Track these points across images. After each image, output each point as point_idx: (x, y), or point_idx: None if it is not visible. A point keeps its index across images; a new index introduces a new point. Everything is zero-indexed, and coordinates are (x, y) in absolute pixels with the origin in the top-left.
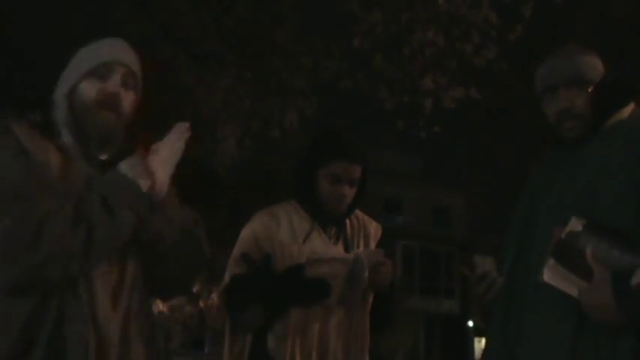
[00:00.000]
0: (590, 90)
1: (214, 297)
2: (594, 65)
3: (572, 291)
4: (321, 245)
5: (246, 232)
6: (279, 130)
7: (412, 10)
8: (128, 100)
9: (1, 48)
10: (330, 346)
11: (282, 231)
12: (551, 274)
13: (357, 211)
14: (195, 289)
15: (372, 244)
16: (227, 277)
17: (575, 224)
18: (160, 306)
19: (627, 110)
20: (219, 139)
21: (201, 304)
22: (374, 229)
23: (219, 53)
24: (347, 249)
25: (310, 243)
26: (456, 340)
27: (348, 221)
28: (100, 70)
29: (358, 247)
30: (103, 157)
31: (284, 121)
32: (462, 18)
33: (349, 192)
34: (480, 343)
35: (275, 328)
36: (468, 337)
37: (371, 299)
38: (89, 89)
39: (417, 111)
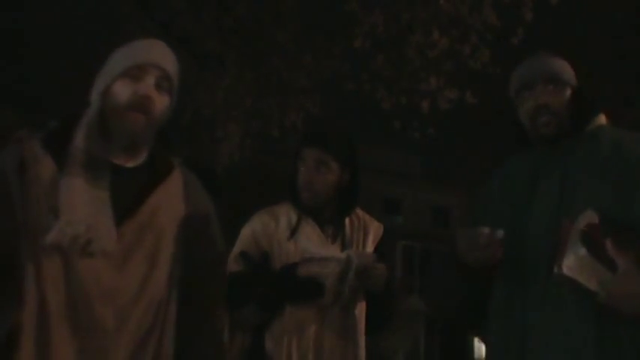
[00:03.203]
0: (566, 91)
1: None
2: (568, 69)
3: (591, 284)
4: (318, 244)
5: (245, 231)
6: (279, 129)
7: (412, 10)
8: (161, 103)
9: (0, 48)
10: (326, 345)
11: (280, 230)
12: (573, 266)
13: (358, 211)
14: None
15: (371, 244)
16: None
17: (592, 217)
18: None
19: (602, 118)
20: (220, 139)
21: None
22: (375, 228)
23: (219, 53)
24: (344, 249)
25: (305, 242)
26: (455, 340)
27: (347, 220)
28: (134, 72)
29: (357, 246)
30: (130, 164)
31: (285, 121)
32: (461, 19)
33: (317, 178)
34: (480, 343)
35: (272, 328)
36: (468, 337)
37: (364, 300)
38: (122, 90)
39: (415, 111)
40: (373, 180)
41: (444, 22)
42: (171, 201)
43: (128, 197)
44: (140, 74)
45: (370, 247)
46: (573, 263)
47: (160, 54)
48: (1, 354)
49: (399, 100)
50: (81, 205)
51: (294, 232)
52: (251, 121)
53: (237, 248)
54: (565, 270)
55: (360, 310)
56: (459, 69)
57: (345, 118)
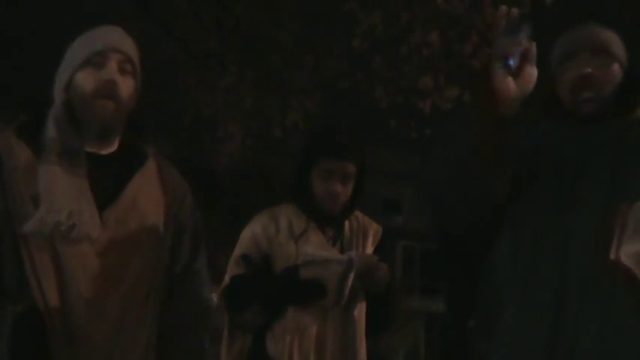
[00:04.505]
0: (613, 65)
1: (214, 297)
2: (618, 42)
3: None
4: (318, 246)
5: (246, 234)
6: (280, 129)
7: (411, 10)
8: (126, 86)
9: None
10: (327, 346)
11: (280, 232)
12: (633, 255)
13: (357, 213)
14: None
15: (370, 246)
16: (227, 278)
17: None
18: None
19: None
20: (220, 140)
21: None
22: (374, 230)
23: (219, 53)
24: (344, 251)
25: (307, 244)
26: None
27: (347, 223)
28: (95, 59)
29: (357, 249)
30: (104, 152)
31: (286, 121)
32: (461, 18)
33: (342, 189)
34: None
35: (274, 329)
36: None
37: (364, 300)
38: (85, 79)
39: (413, 111)
40: (373, 180)
41: (442, 21)
42: (149, 187)
43: (107, 184)
44: (101, 60)
45: (370, 250)
46: (635, 252)
47: (118, 38)
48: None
49: (398, 100)
50: (61, 192)
51: (300, 236)
52: (252, 121)
53: (237, 251)
54: (623, 258)
55: (360, 310)
56: (459, 68)
57: (346, 117)
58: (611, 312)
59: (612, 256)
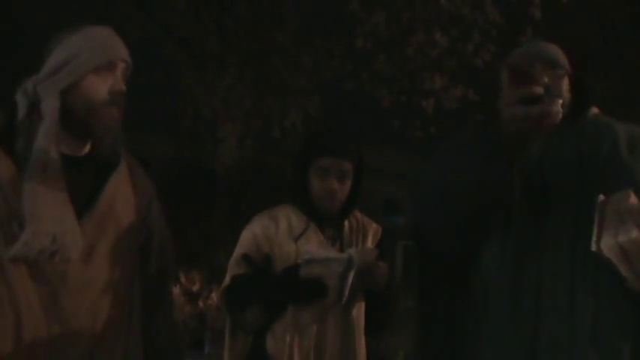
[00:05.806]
0: (564, 76)
1: (214, 297)
2: (562, 54)
3: (622, 265)
4: (318, 246)
5: (246, 234)
6: (280, 129)
7: (413, 10)
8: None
9: (1, 49)
10: (327, 345)
11: (280, 232)
12: (612, 246)
13: (357, 213)
14: (194, 288)
15: (370, 246)
16: (228, 278)
17: (631, 195)
18: None
19: (594, 109)
20: (220, 139)
21: (201, 304)
22: (373, 230)
23: (219, 53)
24: (344, 251)
25: (306, 244)
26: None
27: (346, 223)
28: (107, 67)
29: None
30: (79, 153)
31: (285, 121)
32: (463, 18)
33: (339, 187)
34: None
35: (274, 328)
36: None
37: (363, 300)
38: (97, 87)
39: (416, 111)
40: (373, 180)
41: (445, 20)
42: (124, 188)
43: (83, 189)
44: (111, 69)
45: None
46: (614, 243)
47: (123, 46)
48: None
49: (400, 99)
50: (45, 212)
51: (300, 236)
52: (251, 121)
53: (238, 251)
54: (604, 250)
55: (360, 309)
56: (462, 67)
57: (345, 118)
58: (596, 306)
59: (593, 248)
